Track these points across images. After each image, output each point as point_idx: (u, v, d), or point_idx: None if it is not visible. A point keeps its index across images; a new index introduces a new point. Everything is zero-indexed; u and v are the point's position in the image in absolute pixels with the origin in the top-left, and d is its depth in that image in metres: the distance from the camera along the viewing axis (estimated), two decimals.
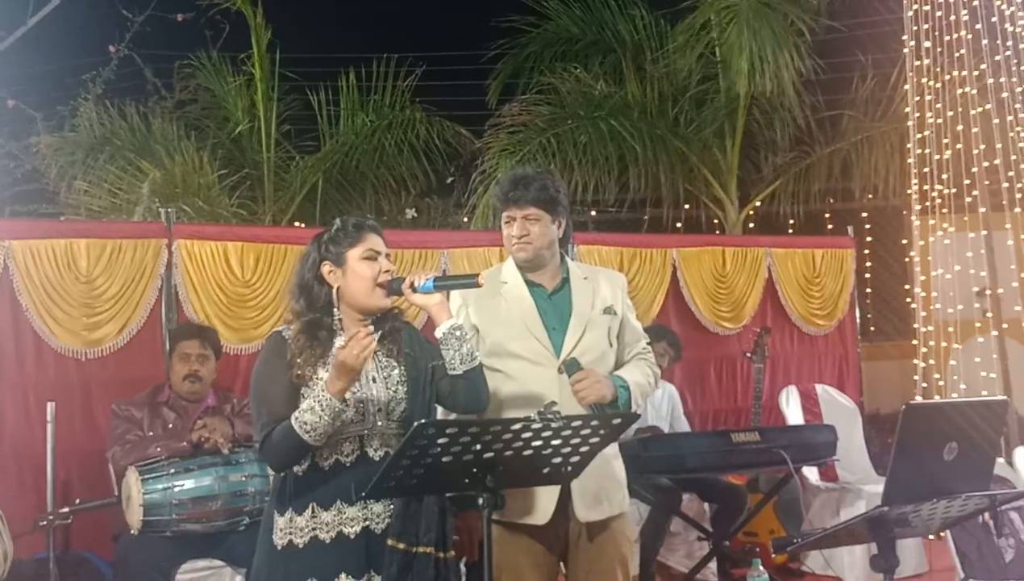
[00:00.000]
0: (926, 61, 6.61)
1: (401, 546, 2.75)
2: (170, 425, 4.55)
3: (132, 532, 4.18)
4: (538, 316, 3.25)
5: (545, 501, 3.12)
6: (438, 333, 2.89)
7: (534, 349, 3.21)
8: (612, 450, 3.24)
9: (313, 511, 2.79)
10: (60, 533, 4.33)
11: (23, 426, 4.85)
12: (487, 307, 3.24)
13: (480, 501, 2.56)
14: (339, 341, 2.76)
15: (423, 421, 2.46)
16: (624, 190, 9.69)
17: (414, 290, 2.86)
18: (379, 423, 2.83)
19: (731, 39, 8.82)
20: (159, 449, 4.33)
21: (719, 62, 9.25)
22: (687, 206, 10.45)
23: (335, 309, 2.86)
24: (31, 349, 4.95)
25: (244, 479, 4.23)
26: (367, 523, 2.80)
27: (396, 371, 2.90)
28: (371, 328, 2.79)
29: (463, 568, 3.59)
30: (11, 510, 4.13)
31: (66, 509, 4.26)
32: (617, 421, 2.79)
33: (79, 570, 4.55)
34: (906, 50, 6.73)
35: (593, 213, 11.44)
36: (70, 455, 4.70)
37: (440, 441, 2.45)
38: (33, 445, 4.71)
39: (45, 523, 4.18)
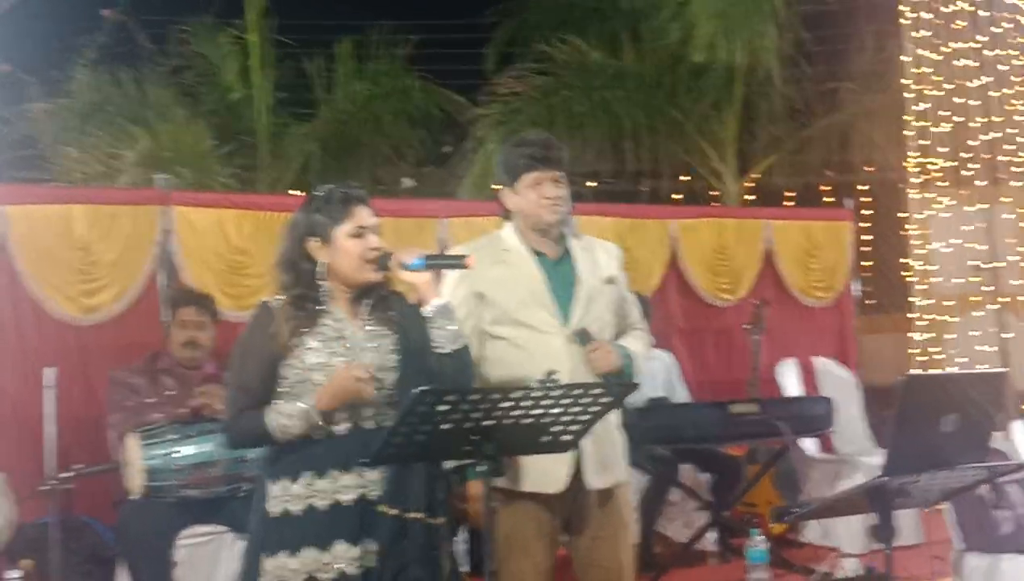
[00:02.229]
0: (925, 33, 6.59)
1: (393, 512, 2.76)
2: (169, 392, 4.55)
3: (133, 498, 4.19)
4: (545, 284, 3.24)
5: (559, 469, 3.11)
6: (426, 311, 2.87)
7: (541, 318, 3.20)
8: (613, 418, 3.25)
9: (308, 479, 2.80)
10: (62, 499, 4.32)
11: (22, 392, 4.82)
12: (491, 275, 3.23)
13: (480, 469, 2.57)
14: (316, 346, 2.81)
15: (423, 388, 2.45)
16: (621, 161, 9.67)
17: (403, 267, 2.85)
18: (372, 391, 2.83)
19: (696, 6, 8.71)
20: (159, 415, 4.34)
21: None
22: (685, 178, 10.44)
23: (322, 282, 2.86)
24: (29, 316, 4.93)
25: None
26: (362, 490, 2.80)
27: (388, 339, 2.89)
28: (371, 369, 2.81)
29: (466, 535, 3.63)
30: (13, 475, 4.14)
31: (67, 475, 4.25)
32: (617, 390, 2.80)
33: (81, 535, 4.55)
34: (905, 21, 6.69)
35: (590, 184, 11.42)
36: (69, 421, 4.68)
37: (440, 408, 2.45)
38: (33, 412, 4.70)
39: (47, 488, 4.18)
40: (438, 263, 2.94)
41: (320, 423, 2.76)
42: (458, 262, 2.93)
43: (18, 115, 10.12)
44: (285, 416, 2.75)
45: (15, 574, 3.90)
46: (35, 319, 4.94)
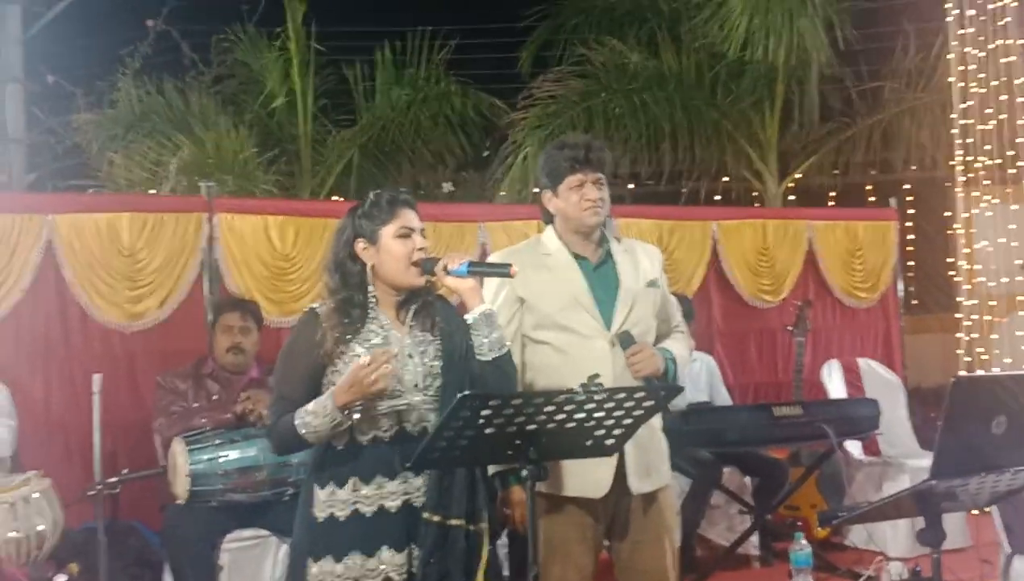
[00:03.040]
0: (970, 30, 6.50)
1: (436, 519, 2.76)
2: (214, 397, 4.60)
3: (179, 502, 4.23)
4: (587, 288, 3.23)
5: (602, 474, 3.10)
6: (469, 318, 2.88)
7: (584, 322, 3.19)
8: (656, 422, 3.24)
9: (354, 485, 2.80)
10: (108, 503, 4.37)
11: (70, 398, 4.91)
12: (533, 279, 3.22)
13: (523, 473, 2.57)
14: (362, 352, 2.76)
15: (467, 393, 2.46)
16: (661, 163, 9.63)
17: (447, 272, 2.85)
18: (416, 398, 2.83)
19: (735, 6, 8.63)
20: (204, 420, 4.38)
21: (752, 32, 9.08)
22: (725, 179, 10.37)
23: (369, 286, 2.87)
24: (76, 322, 5.01)
25: None
26: (407, 497, 2.81)
27: (431, 346, 2.90)
28: (393, 353, 2.78)
29: (506, 539, 3.62)
30: (60, 481, 4.20)
31: (114, 479, 4.31)
32: (661, 395, 2.79)
33: (127, 539, 4.61)
34: (950, 19, 6.61)
35: (630, 186, 11.39)
36: (115, 427, 4.76)
37: (483, 413, 2.45)
38: (80, 417, 4.78)
39: (93, 493, 4.24)
40: (482, 271, 2.94)
41: (341, 419, 2.73)
42: (502, 271, 2.93)
43: (65, 125, 10.28)
44: (309, 414, 2.75)
45: (62, 578, 3.96)
46: (82, 325, 5.02)
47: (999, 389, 2.94)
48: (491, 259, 3.41)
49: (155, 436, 4.56)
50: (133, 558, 4.56)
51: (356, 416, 2.76)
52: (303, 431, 2.75)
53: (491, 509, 2.93)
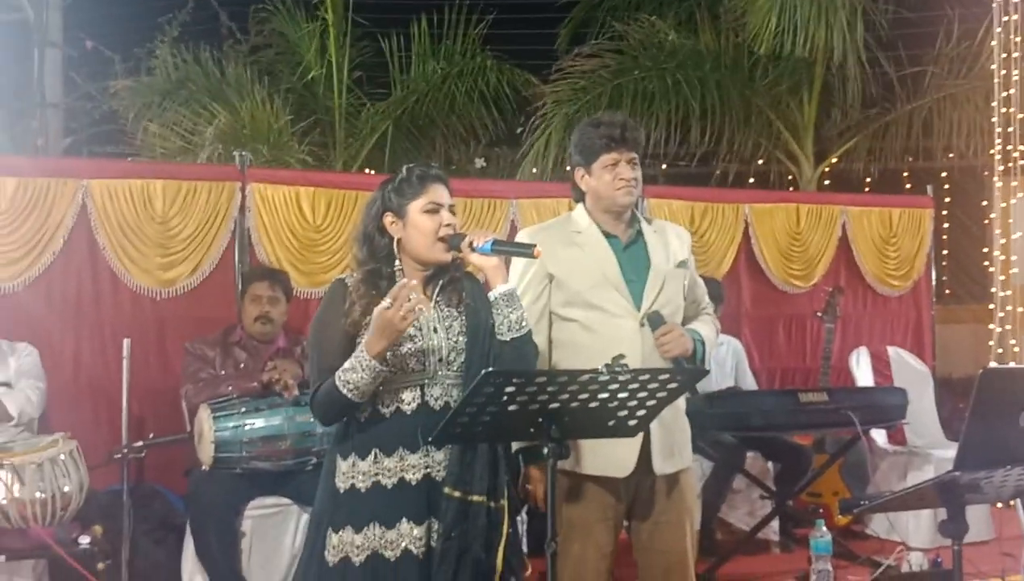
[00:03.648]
0: (1015, 17, 6.39)
1: (457, 494, 2.77)
2: (241, 365, 4.64)
3: (203, 468, 4.28)
4: (618, 267, 3.22)
5: (627, 454, 3.10)
6: (491, 295, 2.88)
7: (614, 300, 3.18)
8: (681, 403, 3.23)
9: (376, 457, 2.82)
10: (134, 466, 4.44)
11: (99, 362, 4.98)
12: (563, 256, 3.22)
13: (545, 451, 2.57)
14: (385, 301, 2.73)
15: (490, 370, 2.46)
16: (694, 144, 9.55)
17: (472, 250, 2.85)
18: (439, 372, 2.84)
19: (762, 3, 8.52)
20: (230, 388, 4.42)
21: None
22: (760, 161, 10.28)
23: (396, 259, 2.88)
24: (108, 287, 5.06)
25: (312, 420, 4.25)
26: (428, 470, 2.82)
27: (457, 321, 2.90)
28: (415, 286, 2.76)
29: (525, 517, 3.63)
30: (87, 443, 4.24)
31: (140, 443, 4.36)
32: (686, 376, 2.78)
33: (151, 502, 4.68)
34: (995, 4, 6.50)
35: (663, 166, 11.32)
36: (143, 391, 4.82)
37: (507, 390, 2.45)
38: (108, 381, 4.85)
39: (120, 456, 4.29)
40: (506, 250, 2.93)
41: (381, 368, 2.71)
42: (527, 251, 2.92)
43: (102, 91, 10.35)
44: (348, 371, 2.73)
45: (86, 539, 4.01)
46: (113, 290, 5.07)
47: None
48: (520, 236, 3.40)
49: (182, 402, 4.60)
50: (157, 522, 4.63)
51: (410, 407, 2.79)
52: (345, 390, 2.73)
53: (513, 485, 2.95)
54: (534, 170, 8.88)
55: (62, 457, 3.98)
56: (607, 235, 3.27)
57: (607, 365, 2.54)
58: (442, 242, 2.87)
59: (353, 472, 2.83)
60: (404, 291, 2.67)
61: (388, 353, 2.74)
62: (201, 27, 10.80)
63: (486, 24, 9.88)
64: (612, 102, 8.77)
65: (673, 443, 3.22)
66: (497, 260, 2.88)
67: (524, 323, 2.90)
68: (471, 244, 2.84)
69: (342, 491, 2.84)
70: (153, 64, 9.68)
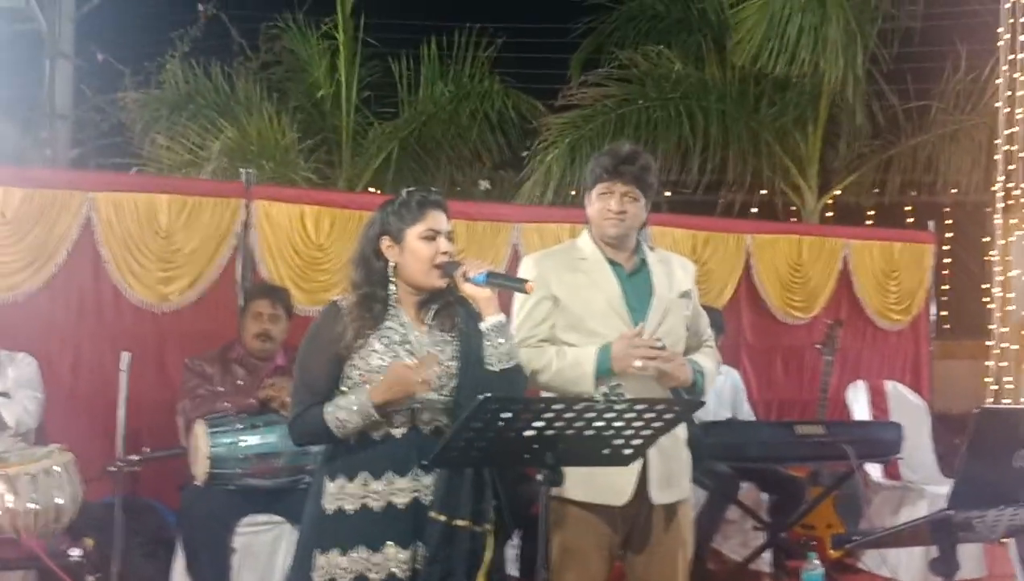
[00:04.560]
0: (1021, 56, 6.43)
1: (442, 518, 2.78)
2: (240, 382, 4.64)
3: (197, 483, 4.28)
4: (621, 295, 3.23)
5: (624, 482, 3.10)
6: (482, 326, 2.89)
7: (617, 328, 3.18)
8: (681, 433, 3.23)
9: (364, 480, 2.83)
10: (128, 480, 4.42)
11: (97, 374, 4.96)
12: (567, 281, 3.23)
13: (539, 477, 2.58)
14: (380, 348, 2.81)
15: (488, 395, 2.48)
16: (700, 173, 9.58)
17: (466, 280, 2.86)
18: (431, 396, 2.85)
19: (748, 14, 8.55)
20: (227, 404, 4.43)
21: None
22: (763, 192, 10.31)
23: (391, 284, 2.90)
24: (109, 300, 5.06)
25: None
26: (416, 494, 2.83)
27: (450, 346, 2.92)
28: (440, 360, 2.83)
29: (518, 541, 3.63)
30: (82, 455, 4.24)
31: (135, 457, 4.35)
32: (682, 407, 2.79)
33: (144, 516, 4.66)
34: (1001, 43, 6.55)
35: (668, 194, 11.35)
36: (141, 405, 4.79)
37: (504, 416, 2.47)
38: (106, 393, 4.81)
39: (114, 469, 4.28)
40: (499, 283, 2.93)
41: (376, 418, 2.77)
42: (519, 286, 2.93)
43: (111, 103, 10.41)
44: (343, 410, 2.78)
45: (77, 552, 4.01)
46: (114, 303, 5.07)
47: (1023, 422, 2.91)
48: (524, 261, 3.41)
49: (178, 417, 4.60)
50: (149, 536, 4.61)
51: (400, 431, 2.82)
52: (333, 427, 2.79)
53: (506, 509, 2.95)
54: (535, 193, 8.91)
55: (57, 469, 3.97)
56: (611, 262, 3.28)
57: (604, 393, 2.55)
58: (437, 269, 2.89)
59: (341, 494, 2.84)
60: (431, 360, 2.74)
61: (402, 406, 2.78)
62: (212, 42, 10.89)
63: (495, 48, 9.93)
64: (616, 130, 8.81)
65: (671, 473, 3.21)
66: (489, 292, 2.89)
67: (514, 354, 2.91)
68: (465, 274, 2.86)
69: (329, 512, 2.85)
70: (163, 78, 9.75)
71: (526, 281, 2.93)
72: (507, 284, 2.98)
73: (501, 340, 2.88)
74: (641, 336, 3.06)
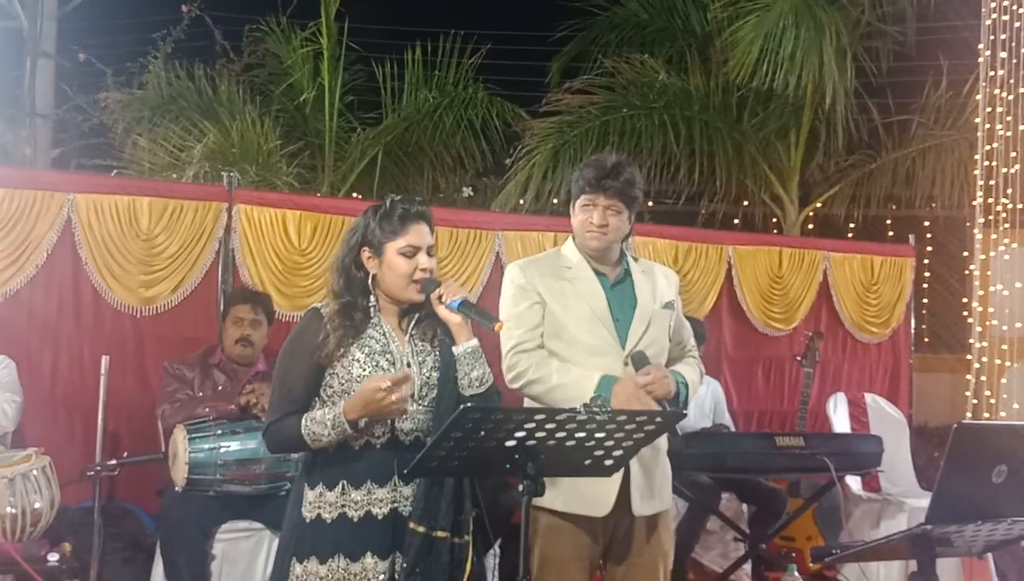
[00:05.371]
0: (1001, 72, 6.48)
1: (421, 529, 2.77)
2: (220, 387, 4.62)
3: (176, 489, 4.25)
4: (607, 304, 3.23)
5: (606, 493, 3.11)
6: (455, 351, 2.87)
7: (601, 337, 3.19)
8: (662, 444, 3.24)
9: (343, 488, 2.82)
10: (106, 484, 4.41)
11: (76, 378, 4.94)
12: (553, 288, 3.24)
13: (520, 488, 2.57)
14: (361, 357, 2.80)
15: (468, 405, 2.48)
16: (680, 183, 9.60)
17: (440, 302, 2.85)
18: (411, 407, 2.84)
19: (744, 32, 8.60)
20: (207, 410, 4.41)
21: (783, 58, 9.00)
22: (745, 203, 10.34)
23: (371, 294, 2.89)
24: (89, 302, 5.04)
25: None
26: (395, 505, 2.82)
27: (430, 356, 2.91)
28: (412, 381, 2.81)
29: (497, 551, 3.62)
30: (60, 459, 4.22)
31: (114, 461, 4.32)
32: (663, 418, 2.79)
33: (122, 521, 4.64)
34: (981, 60, 6.59)
35: (650, 203, 11.36)
36: (120, 409, 4.79)
37: (485, 426, 2.46)
38: (85, 397, 4.81)
39: (92, 473, 4.26)
40: (470, 314, 2.88)
41: (351, 432, 2.76)
42: (489, 322, 2.89)
43: (92, 104, 10.33)
44: (317, 424, 2.77)
45: (55, 556, 3.97)
46: (94, 306, 5.05)
47: (1003, 437, 2.93)
48: (510, 268, 3.40)
49: (158, 422, 4.58)
50: (127, 540, 4.59)
51: (362, 425, 2.78)
52: (308, 439, 2.78)
53: (486, 519, 2.94)
54: (521, 202, 8.91)
55: (34, 473, 3.95)
56: (596, 272, 3.29)
57: (586, 404, 2.55)
58: (416, 284, 2.87)
59: (320, 502, 2.83)
60: (405, 381, 2.72)
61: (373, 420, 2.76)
62: (195, 44, 10.81)
63: (480, 55, 9.93)
64: (599, 139, 8.81)
65: (653, 484, 3.22)
66: (461, 318, 2.86)
67: (487, 379, 2.89)
68: (440, 296, 2.85)
69: (308, 521, 2.83)
70: (145, 79, 9.67)
71: (496, 318, 2.91)
72: (479, 318, 2.90)
73: (472, 366, 2.86)
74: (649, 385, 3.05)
